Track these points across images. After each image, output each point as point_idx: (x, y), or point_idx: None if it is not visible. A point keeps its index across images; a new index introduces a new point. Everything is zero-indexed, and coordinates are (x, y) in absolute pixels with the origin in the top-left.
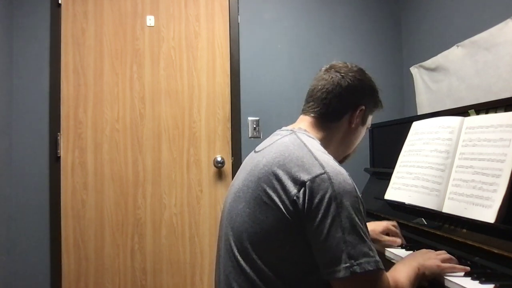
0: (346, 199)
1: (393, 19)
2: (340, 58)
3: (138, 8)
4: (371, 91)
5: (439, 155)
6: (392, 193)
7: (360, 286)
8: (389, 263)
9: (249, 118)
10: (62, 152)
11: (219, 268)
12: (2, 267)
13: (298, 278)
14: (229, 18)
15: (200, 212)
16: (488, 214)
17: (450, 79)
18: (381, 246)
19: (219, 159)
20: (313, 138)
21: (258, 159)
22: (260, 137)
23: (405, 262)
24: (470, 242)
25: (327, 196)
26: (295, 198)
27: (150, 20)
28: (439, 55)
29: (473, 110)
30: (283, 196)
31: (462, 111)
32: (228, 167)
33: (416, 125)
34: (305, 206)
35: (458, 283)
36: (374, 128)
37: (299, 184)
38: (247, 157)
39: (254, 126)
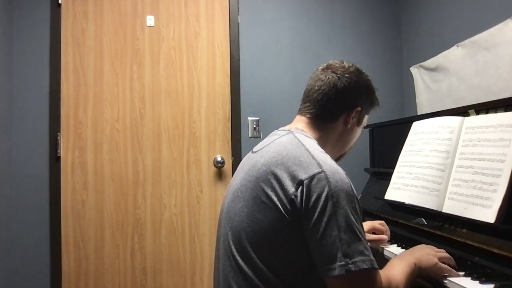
0: (342, 198)
1: (393, 19)
2: (340, 58)
3: (138, 8)
4: (367, 92)
5: (439, 155)
6: (392, 193)
7: (354, 284)
8: (382, 261)
9: (249, 118)
10: (62, 152)
11: (218, 268)
12: (2, 267)
13: (296, 278)
14: (229, 18)
15: (200, 212)
16: (488, 214)
17: (450, 79)
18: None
19: (219, 159)
20: (310, 137)
21: (256, 159)
22: (260, 137)
23: (402, 257)
24: (470, 242)
25: (324, 194)
26: (293, 197)
27: (150, 20)
28: (439, 55)
29: (473, 110)
30: (281, 195)
31: (462, 111)
32: (228, 167)
33: (416, 125)
34: (303, 205)
35: (458, 283)
36: (374, 128)
37: (297, 183)
38: (244, 158)
39: (254, 126)
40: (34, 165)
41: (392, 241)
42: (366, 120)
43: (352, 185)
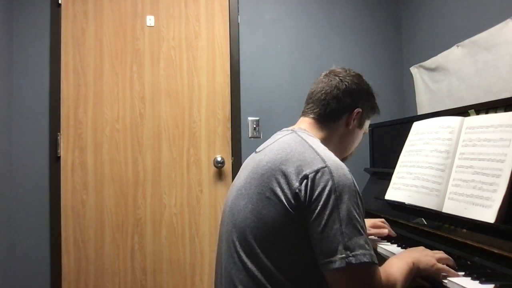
0: (345, 193)
1: (393, 19)
2: (340, 58)
3: (138, 8)
4: (368, 95)
5: (439, 155)
6: (392, 193)
7: (354, 277)
8: (382, 260)
9: (249, 118)
10: (62, 152)
11: (220, 266)
12: (2, 267)
13: (300, 274)
14: (229, 18)
15: (200, 212)
16: (488, 214)
17: (450, 79)
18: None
19: (219, 159)
20: (313, 136)
21: (260, 157)
22: (260, 137)
23: (400, 257)
24: (470, 242)
25: (327, 188)
26: (297, 191)
27: (150, 20)
28: (439, 55)
29: (473, 110)
30: (286, 190)
31: (462, 111)
32: (228, 167)
33: (416, 125)
34: (307, 198)
35: (458, 283)
36: (374, 128)
37: (302, 177)
38: (248, 158)
39: (254, 126)
40: (34, 165)
41: (392, 240)
42: (367, 125)
43: (354, 181)
